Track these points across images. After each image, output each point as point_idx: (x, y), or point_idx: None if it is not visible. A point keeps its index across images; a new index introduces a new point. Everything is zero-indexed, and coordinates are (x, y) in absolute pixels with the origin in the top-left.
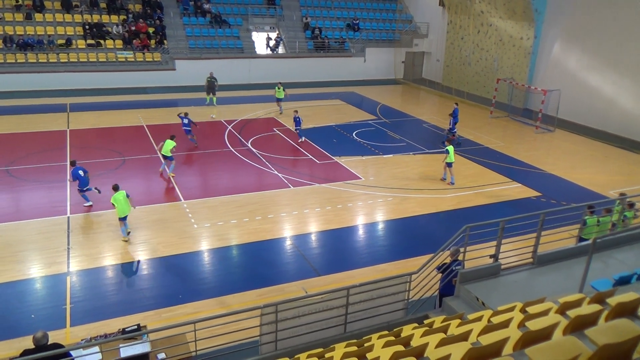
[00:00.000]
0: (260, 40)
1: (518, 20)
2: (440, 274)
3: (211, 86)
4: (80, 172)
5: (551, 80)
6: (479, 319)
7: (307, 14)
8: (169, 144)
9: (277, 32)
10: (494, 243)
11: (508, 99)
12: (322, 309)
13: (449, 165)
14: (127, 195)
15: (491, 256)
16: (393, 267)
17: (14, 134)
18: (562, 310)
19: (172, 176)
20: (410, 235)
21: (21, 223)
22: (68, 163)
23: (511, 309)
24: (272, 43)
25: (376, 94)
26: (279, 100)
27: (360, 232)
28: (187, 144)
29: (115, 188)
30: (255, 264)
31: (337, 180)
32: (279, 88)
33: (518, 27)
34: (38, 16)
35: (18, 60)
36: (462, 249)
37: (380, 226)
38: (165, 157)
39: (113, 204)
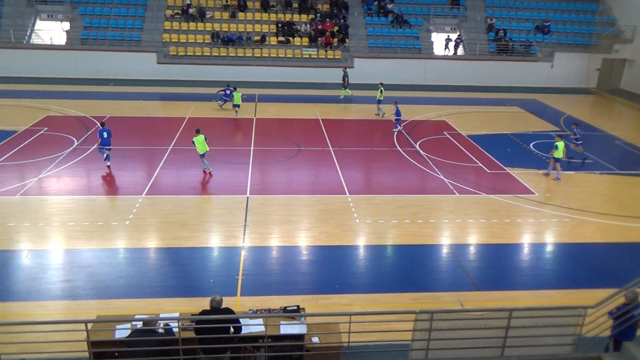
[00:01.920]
0: (440, 41)
1: None
2: (613, 319)
3: (344, 81)
4: (105, 134)
5: None
6: None
7: (493, 15)
8: (199, 140)
9: (458, 33)
10: None
11: None
12: (479, 326)
13: (557, 160)
14: (205, 139)
15: None
16: (561, 295)
17: (213, 118)
18: None
19: (209, 170)
20: (585, 264)
21: (210, 197)
22: (251, 148)
23: None
24: (451, 44)
25: (562, 103)
26: (379, 102)
27: (527, 251)
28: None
29: (197, 131)
30: (411, 267)
31: (507, 192)
32: (380, 89)
33: None
34: (241, 15)
35: (221, 54)
36: None
37: (551, 248)
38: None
39: (193, 143)
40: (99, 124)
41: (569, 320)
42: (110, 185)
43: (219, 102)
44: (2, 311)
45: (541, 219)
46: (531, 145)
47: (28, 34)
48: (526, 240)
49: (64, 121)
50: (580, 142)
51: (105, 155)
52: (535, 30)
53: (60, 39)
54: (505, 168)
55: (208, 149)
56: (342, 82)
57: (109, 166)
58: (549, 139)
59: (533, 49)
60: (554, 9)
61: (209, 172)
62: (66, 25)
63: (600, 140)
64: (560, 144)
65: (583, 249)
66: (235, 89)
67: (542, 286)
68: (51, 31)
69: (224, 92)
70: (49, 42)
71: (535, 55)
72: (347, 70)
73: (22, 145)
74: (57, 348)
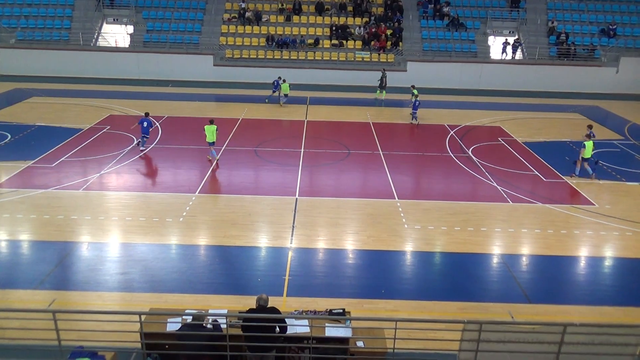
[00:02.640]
0: (497, 45)
1: None
2: None
3: (382, 82)
4: (145, 123)
5: None
6: None
7: (554, 18)
8: (210, 129)
9: (517, 36)
10: None
11: None
12: (530, 340)
13: (585, 160)
14: (216, 130)
15: None
16: (621, 313)
17: (265, 119)
18: None
19: (216, 160)
20: None
21: (260, 197)
22: (302, 150)
23: None
24: (509, 48)
25: (627, 110)
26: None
27: (584, 264)
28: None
29: (211, 121)
30: (460, 276)
31: (564, 202)
32: (413, 92)
33: None
34: (295, 18)
35: (275, 57)
36: None
37: (611, 262)
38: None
39: (204, 130)
40: (143, 114)
41: (627, 339)
42: (166, 183)
43: (272, 93)
44: (64, 299)
45: (601, 232)
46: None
47: (95, 37)
48: (584, 252)
49: (125, 120)
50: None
51: (136, 141)
52: (600, 34)
53: (125, 42)
54: (563, 177)
55: (214, 140)
56: (379, 82)
57: (142, 150)
58: (611, 148)
59: (597, 53)
60: (621, 12)
61: (216, 162)
62: (130, 29)
63: None
64: (589, 144)
65: None
66: (284, 81)
67: (600, 302)
68: (116, 34)
69: (275, 83)
70: (114, 45)
71: (599, 59)
72: (387, 72)
73: (86, 142)
74: (111, 337)
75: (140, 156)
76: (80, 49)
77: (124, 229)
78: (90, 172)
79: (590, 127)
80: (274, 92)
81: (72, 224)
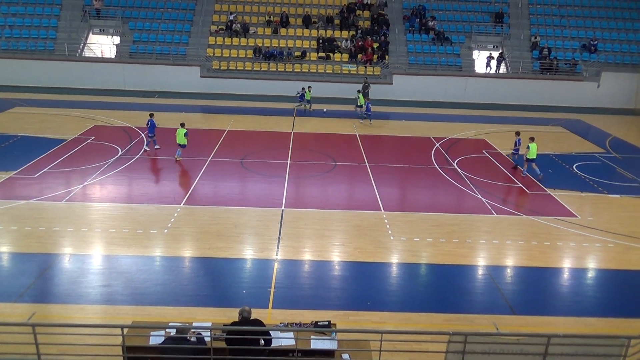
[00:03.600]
0: (481, 59)
1: None
2: None
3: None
4: (149, 123)
5: None
6: None
7: (537, 33)
8: (181, 132)
9: (501, 50)
10: None
11: None
12: (515, 351)
13: (531, 160)
14: (186, 134)
15: None
16: (604, 324)
17: (252, 131)
18: None
19: (178, 160)
20: (630, 292)
21: (246, 209)
22: (288, 162)
23: None
24: (493, 62)
25: (608, 124)
26: (359, 107)
27: (568, 276)
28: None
29: (182, 125)
30: (445, 287)
31: (548, 214)
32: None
33: None
34: (283, 31)
35: (262, 69)
36: None
37: (593, 274)
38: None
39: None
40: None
41: (611, 350)
42: (151, 194)
43: (299, 104)
44: (44, 312)
45: (583, 243)
46: (574, 166)
47: (81, 47)
48: (567, 264)
49: (110, 131)
50: (517, 152)
51: (146, 141)
52: (582, 49)
53: (111, 53)
54: (547, 189)
55: (183, 143)
56: (361, 89)
57: (146, 150)
58: (593, 161)
59: (579, 68)
60: (602, 28)
61: (178, 160)
62: (116, 39)
63: None
64: (533, 146)
65: (628, 276)
66: (307, 88)
67: (584, 313)
68: (102, 45)
69: (299, 94)
70: (99, 55)
71: (581, 74)
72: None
73: (69, 153)
74: (93, 351)
75: (125, 167)
76: (66, 59)
77: (107, 240)
78: (73, 183)
79: (517, 133)
80: (299, 105)
81: (54, 235)
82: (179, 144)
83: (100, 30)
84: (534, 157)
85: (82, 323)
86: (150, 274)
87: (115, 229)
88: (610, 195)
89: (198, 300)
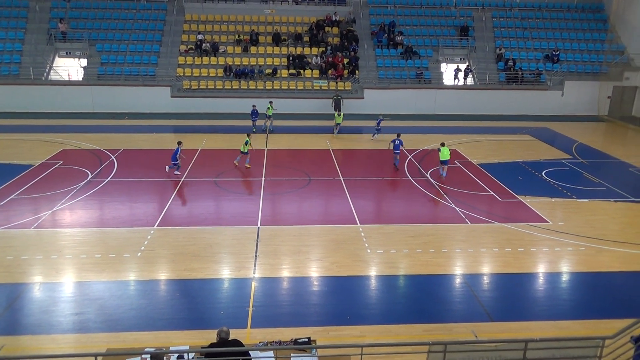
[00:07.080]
0: (449, 72)
1: None
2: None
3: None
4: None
5: None
6: None
7: (502, 45)
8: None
9: (467, 63)
10: None
11: None
12: (494, 357)
13: (444, 163)
14: (247, 142)
15: None
16: (579, 326)
17: (223, 150)
18: None
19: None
20: (603, 294)
21: (221, 228)
22: (262, 179)
23: None
24: (460, 74)
25: (573, 131)
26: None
27: (542, 280)
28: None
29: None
30: (423, 298)
31: (520, 221)
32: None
33: None
34: (253, 49)
35: (233, 87)
36: None
37: (567, 278)
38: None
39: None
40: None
41: (586, 351)
42: (123, 217)
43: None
44: (13, 345)
45: (555, 248)
46: (543, 173)
47: (47, 70)
48: (541, 269)
49: (79, 155)
50: (379, 130)
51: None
52: (545, 59)
53: (78, 75)
54: (517, 196)
55: (244, 151)
56: (336, 106)
57: (176, 174)
58: (561, 167)
59: (543, 77)
60: (563, 39)
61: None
62: (84, 62)
63: (613, 167)
64: (444, 149)
65: (599, 278)
66: (269, 104)
67: (559, 317)
68: (69, 67)
69: (253, 110)
70: (66, 78)
71: (545, 83)
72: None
73: (37, 179)
74: None
75: (95, 190)
76: (31, 83)
77: (78, 267)
78: (42, 209)
79: (382, 115)
80: (254, 121)
81: (23, 264)
82: (241, 152)
83: (66, 53)
84: (448, 158)
85: (54, 354)
86: (124, 299)
87: (86, 254)
88: (579, 200)
89: (175, 324)
